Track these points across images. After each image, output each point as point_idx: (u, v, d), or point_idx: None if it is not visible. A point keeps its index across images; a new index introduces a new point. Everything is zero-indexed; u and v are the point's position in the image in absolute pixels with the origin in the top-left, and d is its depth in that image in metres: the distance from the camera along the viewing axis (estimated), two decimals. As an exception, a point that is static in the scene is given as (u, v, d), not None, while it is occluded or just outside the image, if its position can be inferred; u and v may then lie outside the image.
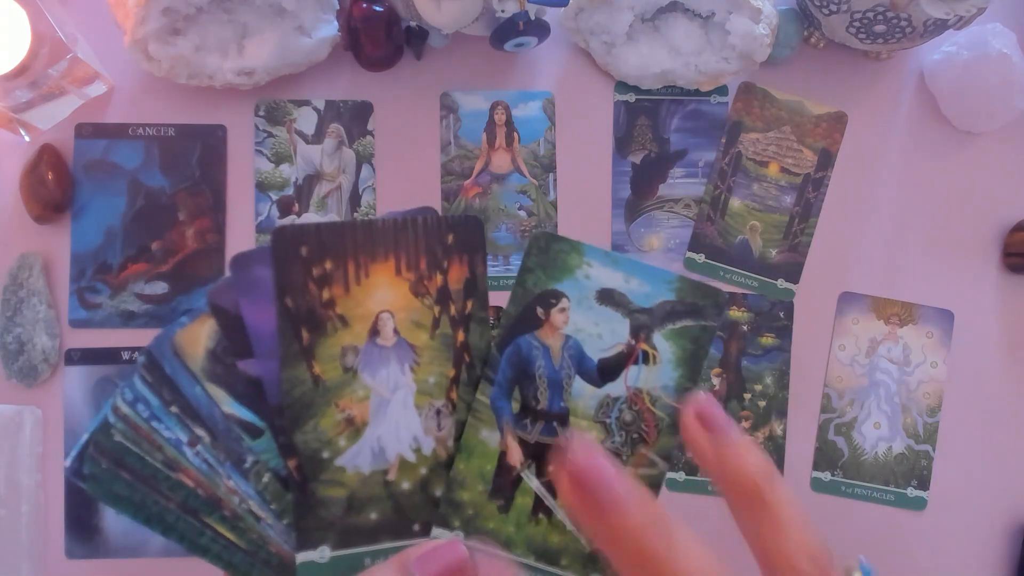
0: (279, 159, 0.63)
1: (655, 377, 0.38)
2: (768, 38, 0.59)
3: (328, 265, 0.37)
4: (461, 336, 0.39)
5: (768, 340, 0.63)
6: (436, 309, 0.38)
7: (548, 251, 0.39)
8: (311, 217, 0.62)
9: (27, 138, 0.61)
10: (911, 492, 0.63)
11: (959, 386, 0.64)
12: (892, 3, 0.54)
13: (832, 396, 0.63)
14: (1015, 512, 0.63)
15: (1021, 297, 0.65)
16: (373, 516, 0.37)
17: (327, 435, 0.37)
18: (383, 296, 0.38)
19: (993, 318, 0.64)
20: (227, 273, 0.37)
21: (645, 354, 0.38)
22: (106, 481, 0.36)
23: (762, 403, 0.63)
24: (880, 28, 0.57)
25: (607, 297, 0.39)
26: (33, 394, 0.60)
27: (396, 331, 0.38)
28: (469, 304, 0.39)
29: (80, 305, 0.61)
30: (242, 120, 0.63)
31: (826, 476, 0.63)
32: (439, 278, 0.38)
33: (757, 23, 0.58)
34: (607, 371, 0.38)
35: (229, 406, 0.36)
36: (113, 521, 0.59)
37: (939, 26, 0.56)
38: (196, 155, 0.62)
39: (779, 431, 0.63)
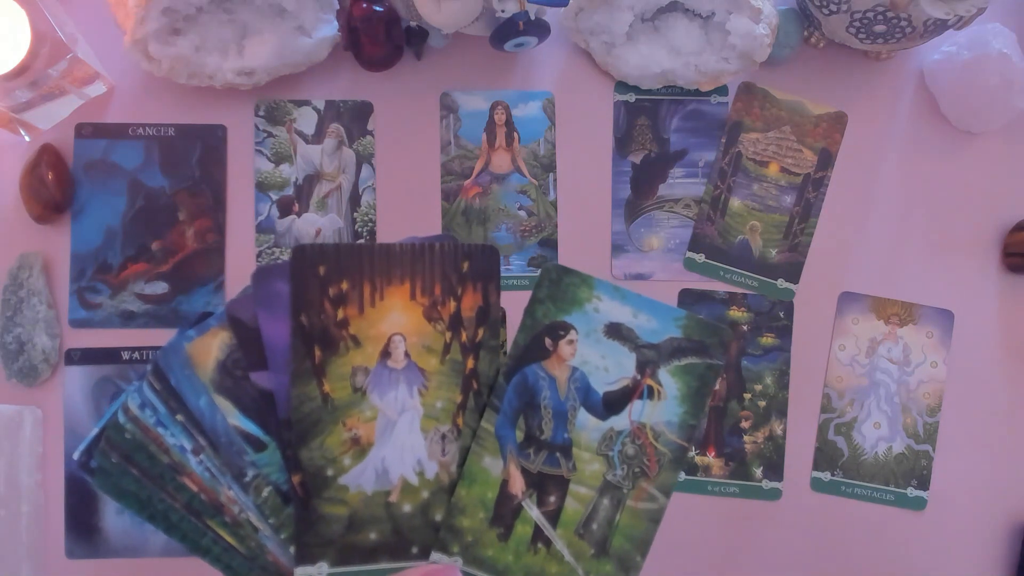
0: (279, 159, 0.63)
1: (659, 412, 0.39)
2: (768, 38, 0.59)
3: (344, 285, 0.38)
4: (471, 363, 0.39)
5: (768, 340, 0.63)
6: (448, 335, 0.39)
7: (559, 283, 0.39)
8: (311, 217, 0.62)
9: (27, 138, 0.61)
10: (911, 492, 0.63)
11: (959, 386, 0.64)
12: (892, 3, 0.54)
13: (832, 396, 0.63)
14: (1015, 512, 0.63)
15: (1021, 297, 0.65)
16: (373, 536, 0.37)
17: (333, 453, 0.37)
18: (396, 319, 0.38)
19: (993, 318, 0.64)
20: (240, 283, 0.38)
21: (650, 389, 0.39)
22: (115, 475, 0.36)
23: (762, 403, 0.63)
24: (880, 28, 0.57)
25: (615, 331, 0.39)
26: (33, 394, 0.60)
27: (407, 354, 0.38)
28: (480, 332, 0.39)
29: (80, 305, 0.61)
30: (242, 120, 0.63)
31: (826, 476, 0.63)
32: (452, 304, 0.39)
33: (757, 23, 0.58)
34: (612, 404, 0.39)
35: (235, 418, 0.37)
36: (113, 521, 0.59)
37: (939, 26, 0.56)
38: (196, 155, 0.62)
39: (779, 431, 0.63)
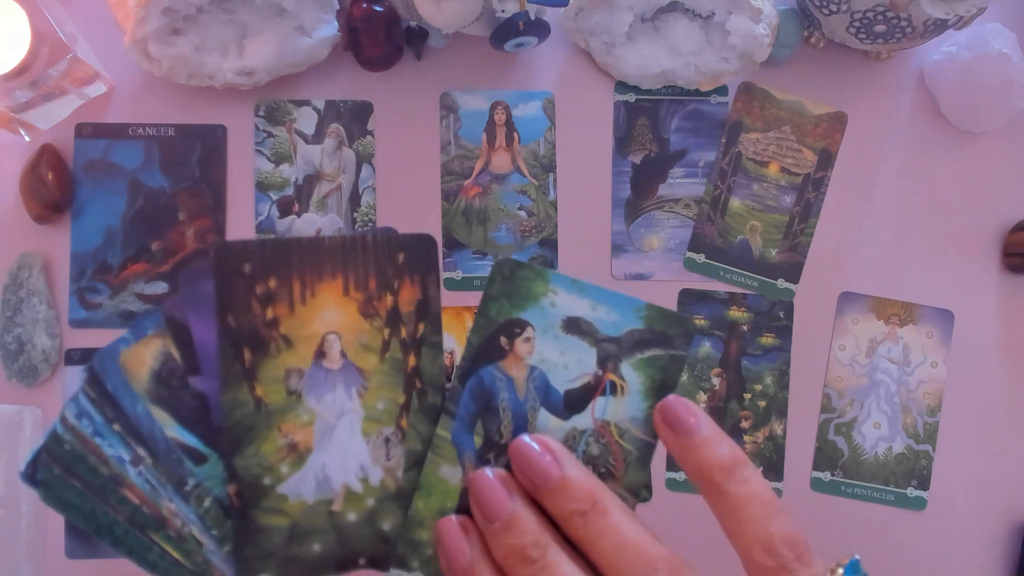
0: (279, 159, 0.63)
1: (623, 409, 0.36)
2: (768, 38, 0.59)
3: (272, 283, 0.35)
4: (412, 360, 0.37)
5: (768, 340, 0.63)
6: (386, 332, 0.36)
7: (512, 279, 0.37)
8: (311, 217, 0.62)
9: (27, 138, 0.61)
10: (911, 492, 0.63)
11: (959, 386, 0.64)
12: (892, 3, 0.54)
13: (832, 396, 0.63)
14: (1015, 512, 0.63)
15: (1021, 297, 0.65)
16: (316, 547, 0.35)
17: (269, 460, 0.35)
18: (330, 317, 0.36)
19: (993, 318, 0.64)
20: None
21: (613, 385, 0.37)
22: (58, 488, 0.34)
23: (762, 403, 0.63)
24: (880, 28, 0.57)
25: (573, 326, 0.37)
26: (33, 394, 0.60)
27: (343, 353, 0.36)
28: (421, 327, 0.37)
29: (80, 305, 0.61)
30: (242, 120, 0.63)
31: (826, 476, 0.63)
32: (389, 299, 0.36)
33: (757, 23, 0.58)
34: (573, 403, 0.37)
35: (173, 430, 0.35)
36: (113, 521, 0.59)
37: (939, 26, 0.56)
38: (196, 155, 0.62)
39: (779, 431, 0.63)
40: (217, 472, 0.35)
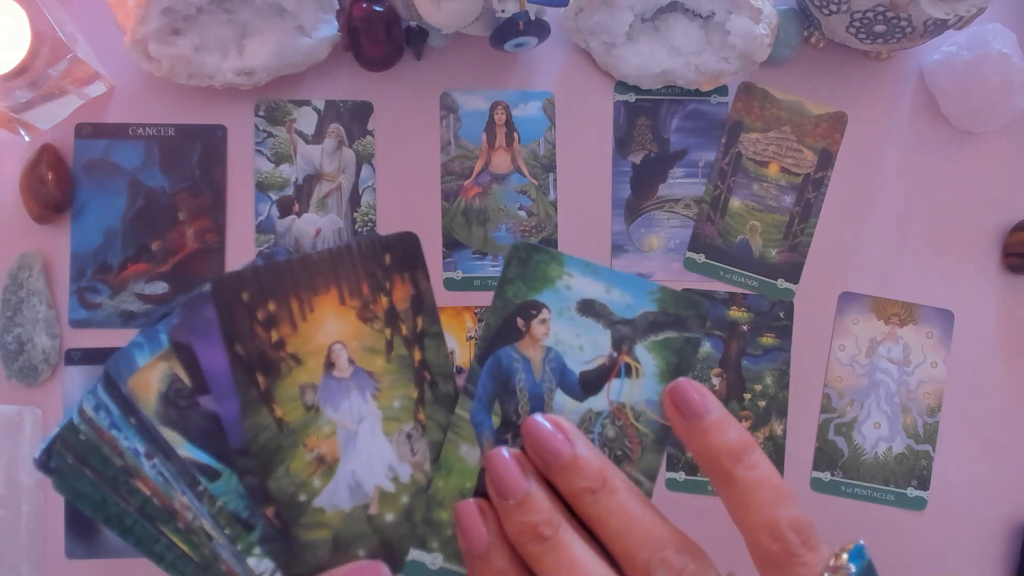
0: (279, 159, 0.63)
1: (638, 391, 0.37)
2: (768, 38, 0.59)
3: (271, 306, 0.36)
4: (418, 355, 0.38)
5: (768, 340, 0.63)
6: (387, 332, 0.37)
7: (528, 262, 0.38)
8: (311, 217, 0.62)
9: (27, 138, 0.61)
10: (911, 492, 0.63)
11: (959, 386, 0.64)
12: (892, 3, 0.54)
13: (832, 396, 0.63)
14: (1015, 512, 0.63)
15: (1021, 297, 0.65)
16: (361, 553, 0.36)
17: (300, 477, 0.36)
18: (331, 328, 0.37)
19: (993, 318, 0.64)
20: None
21: (627, 367, 0.37)
22: (71, 477, 0.35)
23: (762, 403, 0.63)
24: (880, 28, 0.57)
25: (588, 308, 0.37)
26: (33, 394, 0.60)
27: (351, 361, 0.37)
28: (420, 321, 0.38)
29: (80, 305, 0.61)
30: (242, 120, 0.63)
31: (826, 476, 0.63)
32: (384, 300, 0.37)
33: (757, 23, 0.58)
34: (589, 384, 0.37)
35: (185, 449, 0.36)
36: (113, 521, 0.59)
37: (939, 26, 0.56)
38: (196, 155, 0.62)
39: (779, 431, 0.63)
40: (231, 486, 0.36)
